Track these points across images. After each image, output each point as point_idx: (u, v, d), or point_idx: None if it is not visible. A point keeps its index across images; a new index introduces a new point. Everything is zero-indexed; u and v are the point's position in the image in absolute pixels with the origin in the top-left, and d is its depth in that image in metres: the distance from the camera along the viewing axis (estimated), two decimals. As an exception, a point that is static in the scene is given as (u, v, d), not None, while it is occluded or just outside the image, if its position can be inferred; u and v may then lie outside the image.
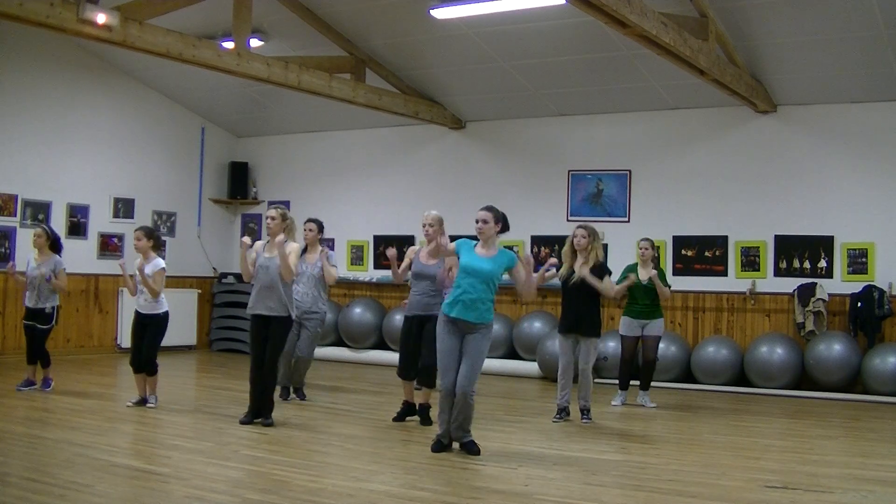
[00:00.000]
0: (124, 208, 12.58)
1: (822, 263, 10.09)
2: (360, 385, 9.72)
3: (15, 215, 11.30)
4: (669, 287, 8.82)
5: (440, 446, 6.36)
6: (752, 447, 6.81)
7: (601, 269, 7.77)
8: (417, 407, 7.54)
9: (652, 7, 7.32)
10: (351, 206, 12.99)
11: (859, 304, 9.66)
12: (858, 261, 9.92)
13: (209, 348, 13.40)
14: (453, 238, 6.60)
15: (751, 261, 10.48)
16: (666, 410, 8.61)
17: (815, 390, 9.62)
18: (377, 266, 12.76)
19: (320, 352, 10.92)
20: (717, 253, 10.59)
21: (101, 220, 12.22)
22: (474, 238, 6.44)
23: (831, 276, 10.03)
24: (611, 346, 10.52)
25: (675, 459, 6.29)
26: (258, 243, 7.36)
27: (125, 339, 12.29)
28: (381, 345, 12.10)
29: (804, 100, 10.15)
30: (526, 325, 11.08)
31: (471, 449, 6.30)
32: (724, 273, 10.59)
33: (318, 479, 5.45)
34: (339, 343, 12.39)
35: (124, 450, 6.20)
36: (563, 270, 7.80)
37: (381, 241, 12.73)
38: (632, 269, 8.74)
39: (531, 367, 10.80)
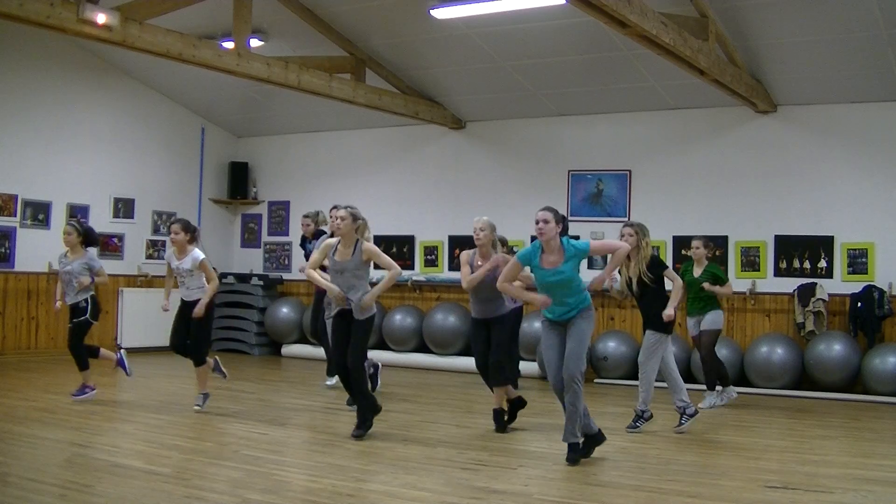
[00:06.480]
0: (124, 208, 12.58)
1: (822, 263, 10.09)
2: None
3: (15, 215, 11.30)
4: (725, 282, 8.75)
5: (572, 452, 6.01)
6: (752, 447, 6.81)
7: (657, 265, 7.34)
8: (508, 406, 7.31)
9: (652, 7, 7.32)
10: (351, 206, 12.97)
11: (859, 305, 9.66)
12: (858, 261, 9.92)
13: (209, 348, 13.38)
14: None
15: (751, 261, 10.48)
16: (665, 410, 8.60)
17: (815, 390, 9.63)
18: (377, 266, 12.70)
19: (320, 352, 10.88)
20: (718, 253, 10.57)
21: (101, 220, 12.19)
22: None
23: (831, 276, 10.02)
24: (611, 345, 10.54)
25: (675, 459, 6.29)
26: (331, 240, 7.02)
27: (125, 339, 12.31)
28: (382, 345, 12.09)
29: (804, 100, 10.15)
30: (525, 326, 11.04)
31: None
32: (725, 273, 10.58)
33: (318, 479, 5.45)
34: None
35: (124, 450, 6.19)
36: (621, 281, 7.43)
37: (381, 241, 12.71)
38: (687, 267, 8.76)
39: (531, 367, 10.79)
